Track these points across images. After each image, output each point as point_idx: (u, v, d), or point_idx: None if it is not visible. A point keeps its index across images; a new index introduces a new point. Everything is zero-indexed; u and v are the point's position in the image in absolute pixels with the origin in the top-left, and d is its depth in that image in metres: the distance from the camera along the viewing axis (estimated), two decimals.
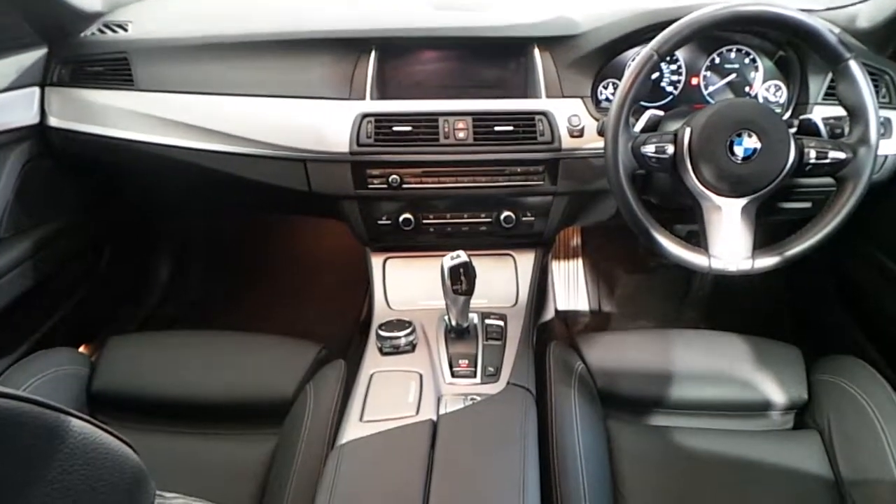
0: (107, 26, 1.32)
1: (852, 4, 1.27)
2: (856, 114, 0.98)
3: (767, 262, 1.01)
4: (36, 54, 1.27)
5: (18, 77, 1.23)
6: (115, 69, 1.26)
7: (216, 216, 1.97)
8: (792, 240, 1.02)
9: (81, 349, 1.56)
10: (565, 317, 1.94)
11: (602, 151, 1.03)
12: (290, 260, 2.09)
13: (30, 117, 1.26)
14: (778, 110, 1.25)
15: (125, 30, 1.30)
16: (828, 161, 0.98)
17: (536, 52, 1.22)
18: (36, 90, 1.27)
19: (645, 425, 1.12)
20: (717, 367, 1.15)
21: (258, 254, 2.08)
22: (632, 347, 1.20)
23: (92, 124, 1.26)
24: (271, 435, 1.07)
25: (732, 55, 1.26)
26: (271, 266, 2.06)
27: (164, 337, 1.26)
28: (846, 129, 1.03)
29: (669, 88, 1.28)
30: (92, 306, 1.60)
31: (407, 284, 1.30)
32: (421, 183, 1.21)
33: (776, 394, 1.10)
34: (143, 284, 1.88)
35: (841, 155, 0.98)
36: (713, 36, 1.24)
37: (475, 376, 1.07)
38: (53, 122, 1.28)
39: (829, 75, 1.20)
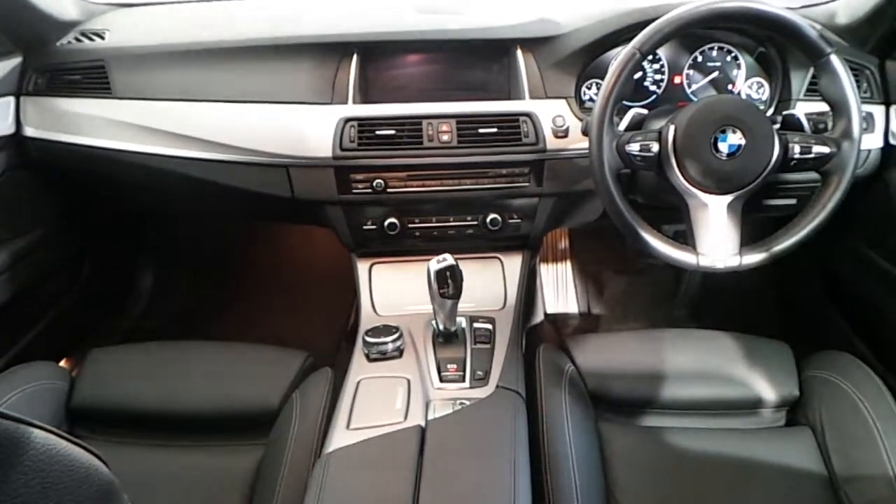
0: (83, 35, 1.29)
1: (831, 1, 1.28)
2: (838, 108, 0.99)
3: (755, 258, 1.01)
4: (10, 63, 1.25)
5: None
6: (93, 77, 1.24)
7: (199, 224, 1.94)
8: (779, 236, 1.02)
9: (63, 363, 1.53)
10: (554, 320, 1.93)
11: (587, 152, 1.02)
12: (276, 268, 2.07)
13: (5, 127, 1.24)
14: (761, 107, 1.26)
15: (102, 38, 1.28)
16: (812, 156, 0.98)
17: (519, 53, 1.22)
18: (11, 100, 1.25)
19: (637, 426, 1.11)
20: (708, 365, 1.15)
21: (243, 262, 2.05)
22: (622, 348, 1.19)
23: (69, 133, 1.23)
24: (258, 446, 1.05)
25: (714, 53, 1.26)
26: (256, 274, 2.03)
27: (147, 349, 1.23)
28: (829, 124, 1.03)
29: (653, 88, 1.28)
30: (73, 318, 1.57)
31: (394, 290, 1.29)
32: (406, 187, 1.20)
33: (767, 391, 1.10)
34: (125, 295, 1.85)
35: (825, 149, 0.98)
36: (695, 34, 1.24)
37: (464, 381, 1.06)
38: (30, 131, 1.26)
39: (811, 71, 1.20)
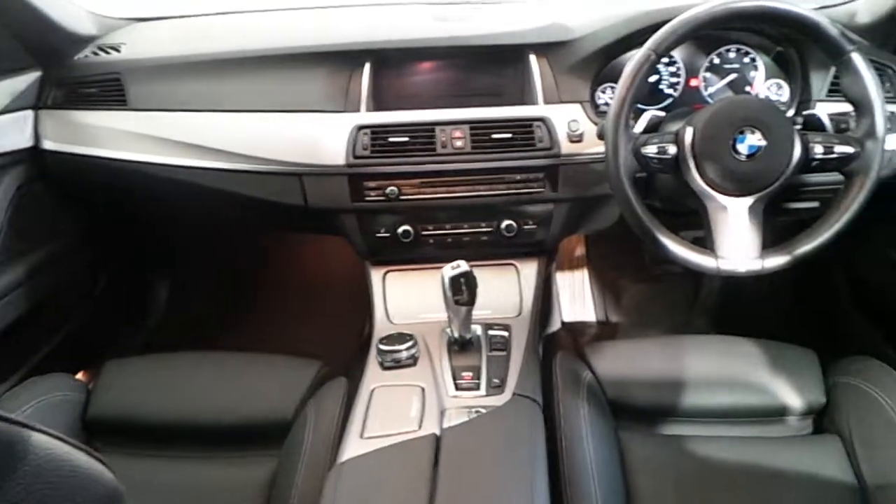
0: (100, 48, 1.31)
1: (850, 1, 1.25)
2: (861, 106, 0.96)
3: (777, 261, 0.98)
4: (30, 77, 1.26)
5: (12, 100, 1.22)
6: (108, 90, 1.25)
7: (213, 236, 1.95)
8: (801, 238, 0.99)
9: (80, 375, 1.53)
10: (572, 328, 1.91)
11: (602, 156, 1.01)
12: (289, 277, 2.07)
13: (24, 140, 1.25)
14: (781, 108, 1.23)
15: (118, 51, 1.30)
16: (835, 156, 0.96)
17: (532, 58, 1.21)
18: (30, 113, 1.26)
19: (658, 435, 1.08)
20: (731, 372, 1.12)
21: (256, 272, 2.06)
22: (642, 355, 1.17)
23: (85, 146, 1.24)
24: (272, 456, 1.04)
25: (732, 55, 1.24)
26: (270, 284, 2.04)
27: (162, 360, 1.23)
28: (852, 124, 1.00)
29: (669, 91, 1.26)
30: (90, 331, 1.58)
31: (408, 297, 1.27)
32: (419, 194, 1.19)
33: (793, 398, 1.07)
34: (142, 307, 1.86)
35: (848, 149, 0.95)
36: (711, 35, 1.23)
37: (479, 388, 1.04)
38: (48, 144, 1.27)
39: (832, 71, 1.18)
